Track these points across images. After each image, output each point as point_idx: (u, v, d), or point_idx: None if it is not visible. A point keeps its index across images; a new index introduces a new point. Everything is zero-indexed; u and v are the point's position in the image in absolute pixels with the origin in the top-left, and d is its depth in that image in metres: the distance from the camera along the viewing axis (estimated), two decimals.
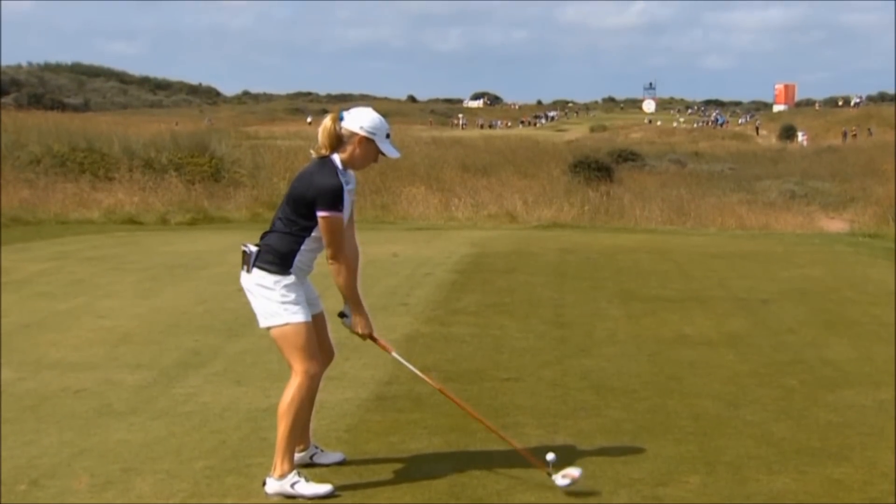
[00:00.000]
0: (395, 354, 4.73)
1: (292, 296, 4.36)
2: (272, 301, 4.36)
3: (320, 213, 4.31)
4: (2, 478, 4.52)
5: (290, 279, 4.36)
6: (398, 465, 4.75)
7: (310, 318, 4.40)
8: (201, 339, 7.45)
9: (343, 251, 4.38)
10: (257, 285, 4.38)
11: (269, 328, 4.40)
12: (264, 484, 4.39)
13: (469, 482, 4.53)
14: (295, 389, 4.35)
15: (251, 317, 4.47)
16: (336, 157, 4.42)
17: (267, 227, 4.53)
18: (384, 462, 4.79)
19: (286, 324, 4.34)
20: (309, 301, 4.48)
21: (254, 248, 4.42)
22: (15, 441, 5.05)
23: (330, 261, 4.39)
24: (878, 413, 5.73)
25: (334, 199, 4.32)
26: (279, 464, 4.36)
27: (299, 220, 4.38)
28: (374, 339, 4.63)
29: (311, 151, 4.50)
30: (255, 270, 4.39)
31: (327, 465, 4.70)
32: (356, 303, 4.52)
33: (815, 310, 9.03)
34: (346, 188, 4.37)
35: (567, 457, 4.75)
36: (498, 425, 5.36)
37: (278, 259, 4.37)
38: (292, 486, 4.33)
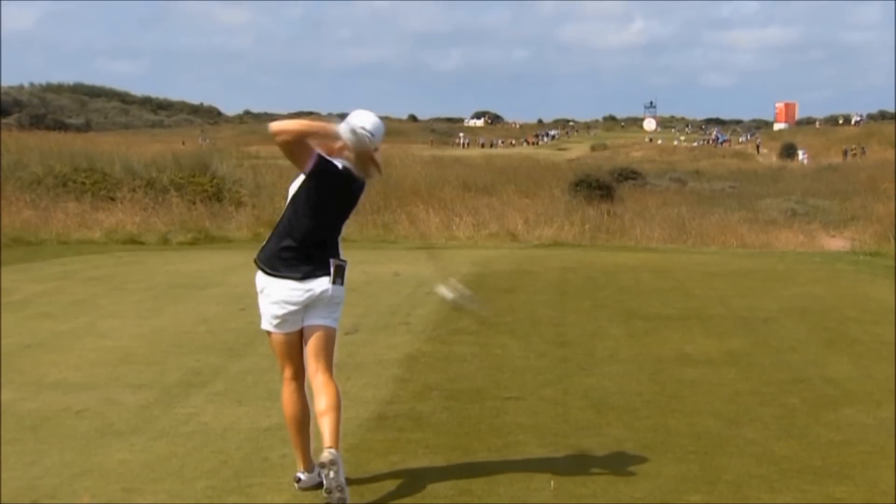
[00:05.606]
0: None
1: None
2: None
3: None
4: (3, 499, 4.52)
5: None
6: (399, 485, 4.75)
7: None
8: (203, 359, 7.44)
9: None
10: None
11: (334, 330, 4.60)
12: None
13: (470, 502, 4.53)
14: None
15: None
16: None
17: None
18: (385, 481, 4.79)
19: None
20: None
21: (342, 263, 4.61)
22: (16, 461, 5.05)
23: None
24: (879, 431, 5.73)
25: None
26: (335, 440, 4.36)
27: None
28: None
29: None
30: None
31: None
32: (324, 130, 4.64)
33: (817, 328, 9.04)
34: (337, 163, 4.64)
35: (568, 475, 4.76)
36: (499, 444, 5.38)
37: None
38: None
